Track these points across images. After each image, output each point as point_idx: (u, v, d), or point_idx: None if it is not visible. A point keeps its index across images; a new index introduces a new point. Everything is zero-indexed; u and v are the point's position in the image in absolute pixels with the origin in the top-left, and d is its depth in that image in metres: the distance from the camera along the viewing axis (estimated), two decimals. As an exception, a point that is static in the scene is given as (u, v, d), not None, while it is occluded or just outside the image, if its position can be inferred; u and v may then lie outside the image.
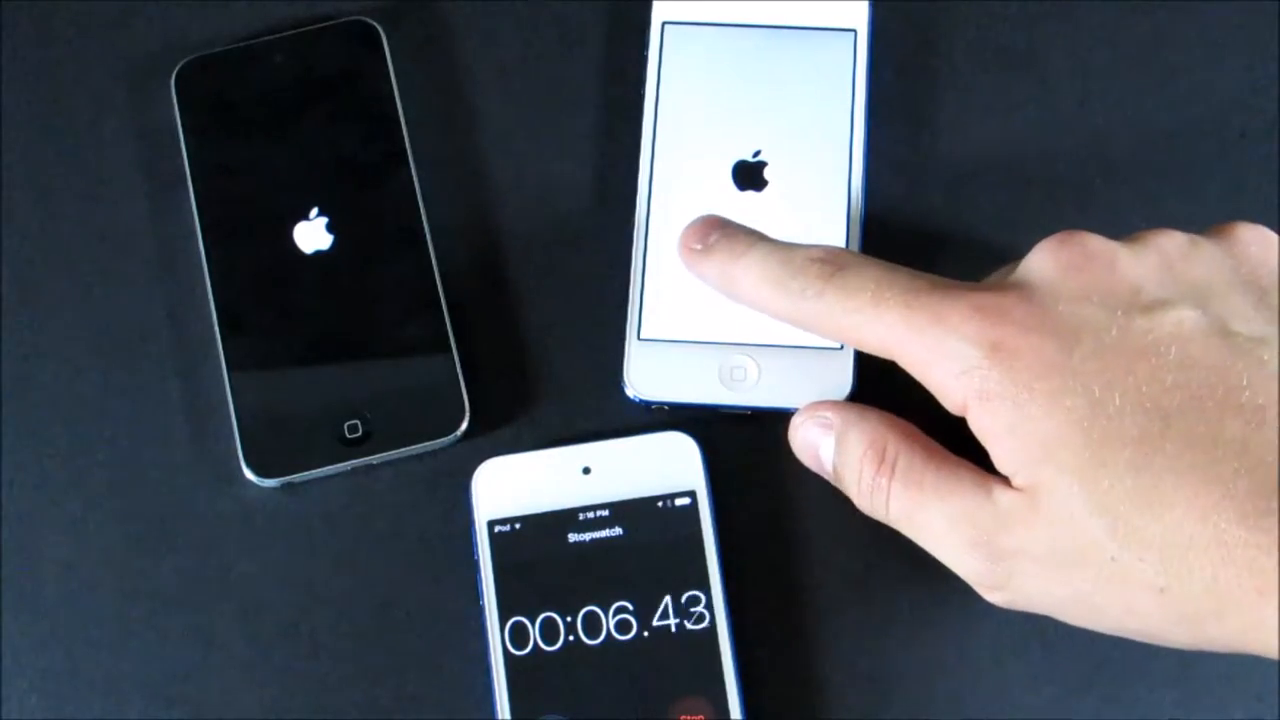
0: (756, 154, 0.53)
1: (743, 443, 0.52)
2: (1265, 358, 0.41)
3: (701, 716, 0.49)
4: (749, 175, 0.53)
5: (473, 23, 0.56)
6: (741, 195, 0.53)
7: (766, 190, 0.53)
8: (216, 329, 0.52)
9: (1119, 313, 0.41)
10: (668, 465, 0.51)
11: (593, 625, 0.49)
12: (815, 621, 0.51)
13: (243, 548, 0.52)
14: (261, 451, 0.51)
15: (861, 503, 0.46)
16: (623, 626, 0.49)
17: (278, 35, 0.55)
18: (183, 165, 0.54)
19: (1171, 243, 0.43)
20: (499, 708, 0.49)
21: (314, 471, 0.51)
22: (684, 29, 0.54)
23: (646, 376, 0.52)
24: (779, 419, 0.52)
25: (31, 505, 0.52)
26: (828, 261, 0.45)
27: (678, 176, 0.53)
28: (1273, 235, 0.44)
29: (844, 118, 0.53)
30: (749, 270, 0.47)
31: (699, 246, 0.49)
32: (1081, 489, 0.40)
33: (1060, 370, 0.41)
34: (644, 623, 0.49)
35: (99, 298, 0.54)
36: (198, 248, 0.53)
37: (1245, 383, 0.40)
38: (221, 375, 0.52)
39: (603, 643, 0.49)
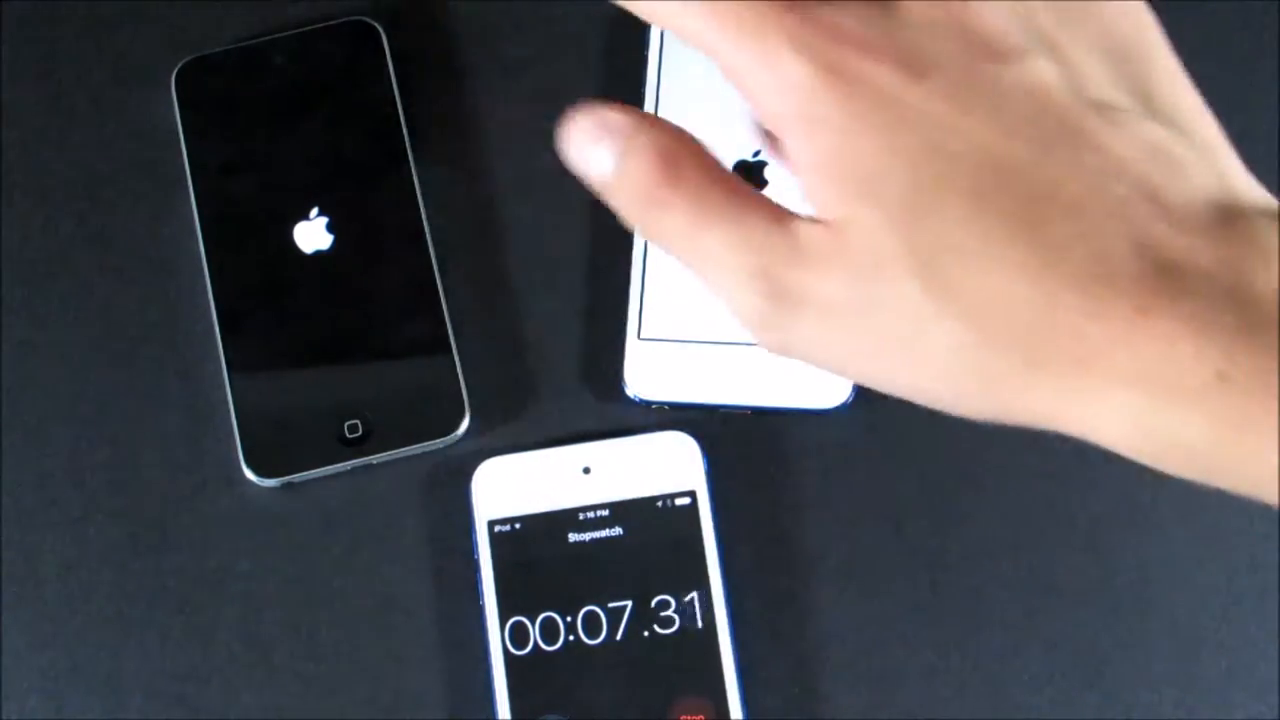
0: (756, 154, 0.53)
1: (743, 443, 0.52)
2: (1117, 122, 0.38)
3: (701, 716, 0.49)
4: (749, 175, 0.53)
5: (473, 23, 0.56)
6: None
7: (766, 190, 0.53)
8: (216, 329, 0.52)
9: (972, 53, 0.38)
10: (668, 465, 0.51)
11: (593, 625, 0.49)
12: (815, 621, 0.51)
13: (243, 548, 0.52)
14: (261, 451, 0.51)
15: (634, 216, 0.40)
16: (623, 626, 0.49)
17: (278, 35, 0.55)
18: (183, 165, 0.54)
19: None
20: (499, 708, 0.49)
21: (314, 471, 0.51)
22: None
23: (646, 376, 0.52)
24: (779, 418, 0.52)
25: (31, 505, 0.52)
26: None
27: (678, 176, 0.53)
28: (1144, 7, 0.41)
29: None
30: None
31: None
32: (899, 233, 0.37)
33: (899, 104, 0.37)
34: (644, 623, 0.49)
35: (99, 298, 0.54)
36: (198, 248, 0.53)
37: (1095, 144, 0.37)
38: (221, 375, 0.52)
39: (603, 643, 0.49)
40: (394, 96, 0.54)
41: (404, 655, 0.51)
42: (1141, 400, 0.36)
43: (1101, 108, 0.38)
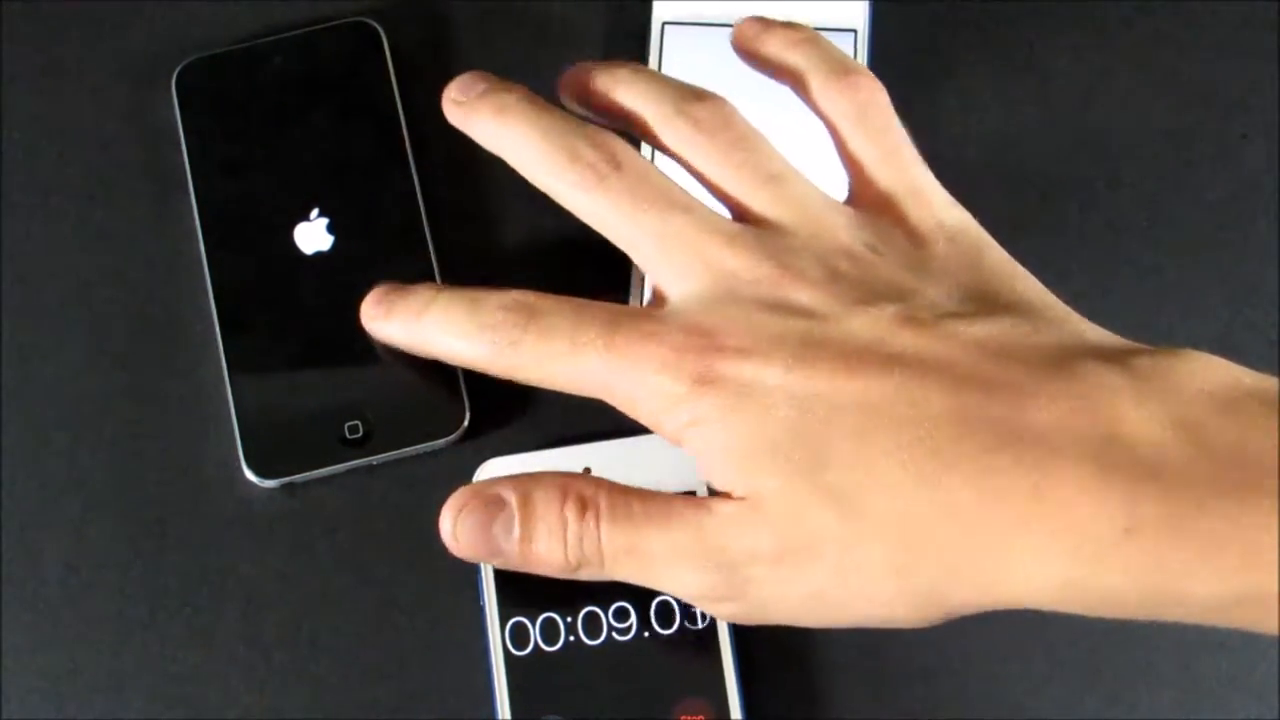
0: None
1: (743, 443, 0.52)
2: (955, 331, 0.41)
3: (701, 716, 0.49)
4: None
5: (473, 23, 0.56)
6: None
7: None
8: (216, 329, 0.52)
9: (816, 321, 0.42)
10: (668, 465, 0.51)
11: (593, 625, 0.49)
12: (815, 621, 0.51)
13: (243, 548, 0.52)
14: (261, 451, 0.51)
15: (569, 564, 0.43)
16: (623, 627, 0.49)
17: (278, 36, 0.55)
18: (183, 165, 0.54)
19: (836, 243, 0.44)
20: (499, 708, 0.49)
21: (314, 471, 0.51)
22: (684, 29, 0.54)
23: (646, 376, 0.52)
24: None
25: (31, 505, 0.52)
26: (518, 309, 0.44)
27: (677, 177, 0.53)
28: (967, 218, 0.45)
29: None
30: (435, 326, 0.46)
31: (377, 311, 0.48)
32: (804, 484, 0.40)
33: (761, 387, 0.41)
34: (644, 623, 0.49)
35: (99, 298, 0.54)
36: (198, 248, 0.53)
37: (938, 359, 0.40)
38: (221, 375, 0.52)
39: (603, 643, 0.49)
40: (394, 96, 0.54)
41: (404, 655, 0.51)
42: (1062, 566, 0.39)
43: (942, 321, 0.41)
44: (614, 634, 0.49)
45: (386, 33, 0.55)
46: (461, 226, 0.54)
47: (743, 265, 0.43)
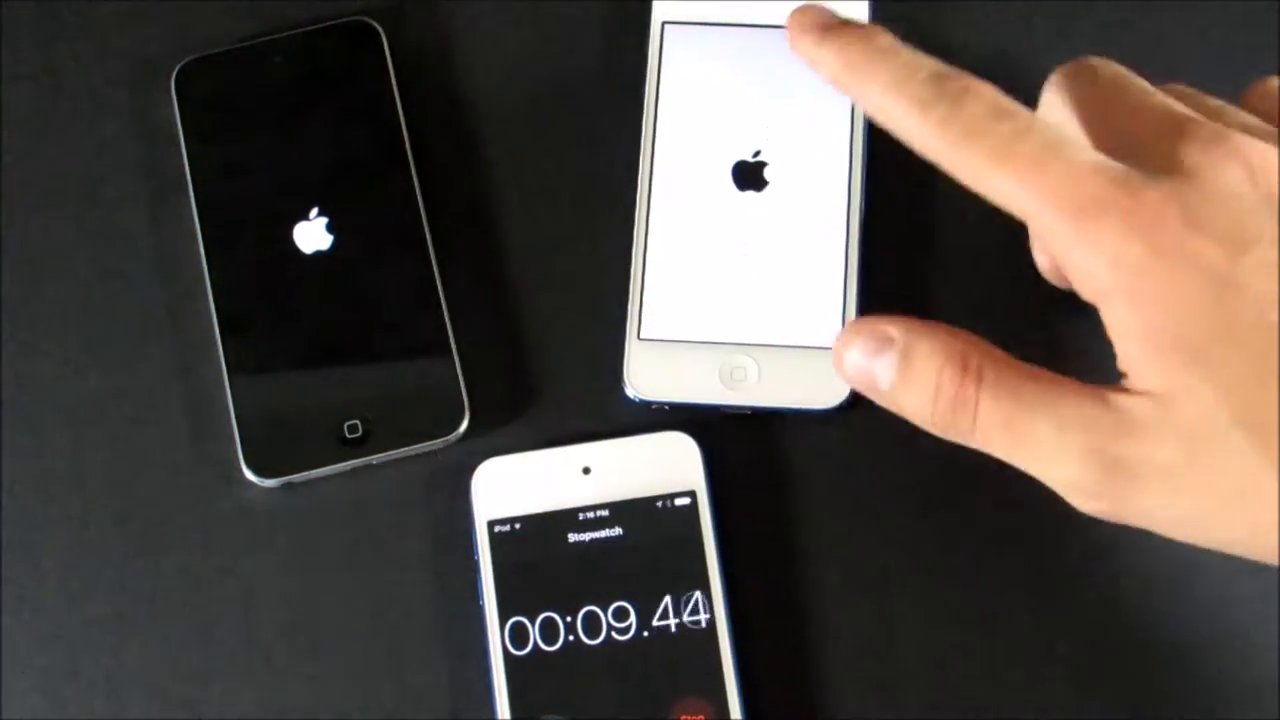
0: (756, 154, 0.53)
1: (743, 443, 0.52)
2: None
3: (701, 716, 0.49)
4: (749, 175, 0.53)
5: (473, 23, 0.56)
6: (742, 195, 0.53)
7: (766, 190, 0.53)
8: (216, 329, 0.52)
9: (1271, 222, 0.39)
10: (668, 465, 0.51)
11: (593, 625, 0.49)
12: (815, 621, 0.51)
13: (243, 548, 0.52)
14: (261, 451, 0.51)
15: (938, 419, 0.42)
16: (623, 626, 0.49)
17: (278, 35, 0.55)
18: (183, 165, 0.54)
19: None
20: (499, 708, 0.49)
21: (314, 471, 0.51)
22: (684, 29, 0.54)
23: (646, 376, 0.52)
24: (779, 418, 0.52)
25: (31, 505, 0.52)
26: (980, 99, 0.41)
27: (677, 177, 0.53)
28: None
29: (844, 117, 0.53)
30: (885, 72, 0.42)
31: (818, 33, 0.44)
32: (1229, 400, 0.38)
33: (1221, 280, 0.38)
34: (644, 623, 0.49)
35: (99, 298, 0.54)
36: (198, 248, 0.53)
37: None
38: (221, 375, 0.52)
39: (603, 643, 0.49)
40: (394, 96, 0.54)
41: (404, 655, 0.51)
42: None
43: None
44: (614, 634, 0.49)
45: (386, 33, 0.55)
46: (461, 226, 0.54)
47: (1217, 162, 0.40)
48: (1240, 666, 0.50)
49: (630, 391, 0.52)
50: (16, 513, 0.52)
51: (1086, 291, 0.40)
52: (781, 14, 0.54)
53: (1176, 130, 0.41)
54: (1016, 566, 0.51)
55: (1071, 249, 0.40)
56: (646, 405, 0.52)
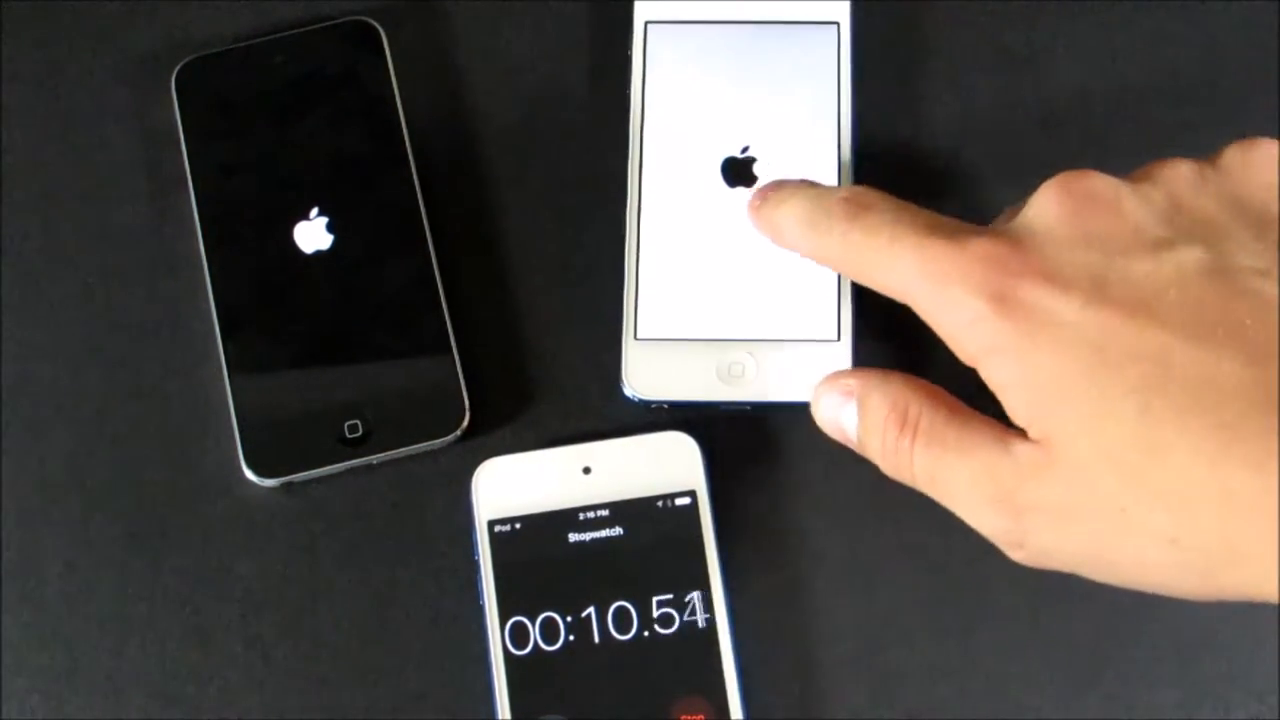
0: (745, 150, 0.53)
1: (743, 442, 0.52)
2: (1266, 291, 0.39)
3: (701, 716, 0.49)
4: (738, 171, 0.53)
5: (473, 23, 0.56)
6: (732, 192, 0.53)
7: (756, 186, 0.53)
8: (216, 329, 0.52)
9: (1118, 257, 0.41)
10: (668, 465, 0.51)
11: (593, 625, 0.49)
12: (815, 621, 0.51)
13: (243, 548, 0.52)
14: (261, 451, 0.51)
15: (886, 466, 0.45)
16: (623, 626, 0.49)
17: (278, 35, 0.55)
18: (183, 165, 0.54)
19: (1176, 177, 0.43)
20: (499, 708, 0.49)
21: (314, 471, 0.51)
22: (667, 28, 0.54)
23: (645, 376, 0.52)
24: (779, 417, 0.52)
25: (31, 505, 0.52)
26: (852, 201, 0.45)
27: (667, 176, 0.53)
28: (1273, 150, 0.43)
29: (830, 111, 0.53)
30: (788, 214, 0.48)
31: (756, 202, 0.50)
32: (1090, 438, 0.39)
33: (1059, 319, 0.40)
34: (644, 623, 0.49)
35: (99, 298, 0.54)
36: (198, 248, 0.53)
37: (1248, 320, 0.39)
38: (221, 375, 0.52)
39: (603, 643, 0.49)
40: (394, 96, 0.54)
41: (404, 655, 0.51)
42: None
43: (1250, 279, 0.40)
44: (614, 634, 0.49)
45: (386, 33, 0.55)
46: (461, 226, 0.54)
47: (1052, 200, 0.42)
48: (1240, 666, 0.50)
49: (629, 391, 0.52)
50: (16, 513, 0.52)
51: (963, 357, 0.42)
52: (763, 10, 0.54)
53: (1040, 187, 0.43)
54: (1016, 565, 0.51)
55: (936, 318, 0.43)
56: (646, 405, 0.52)
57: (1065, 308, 0.40)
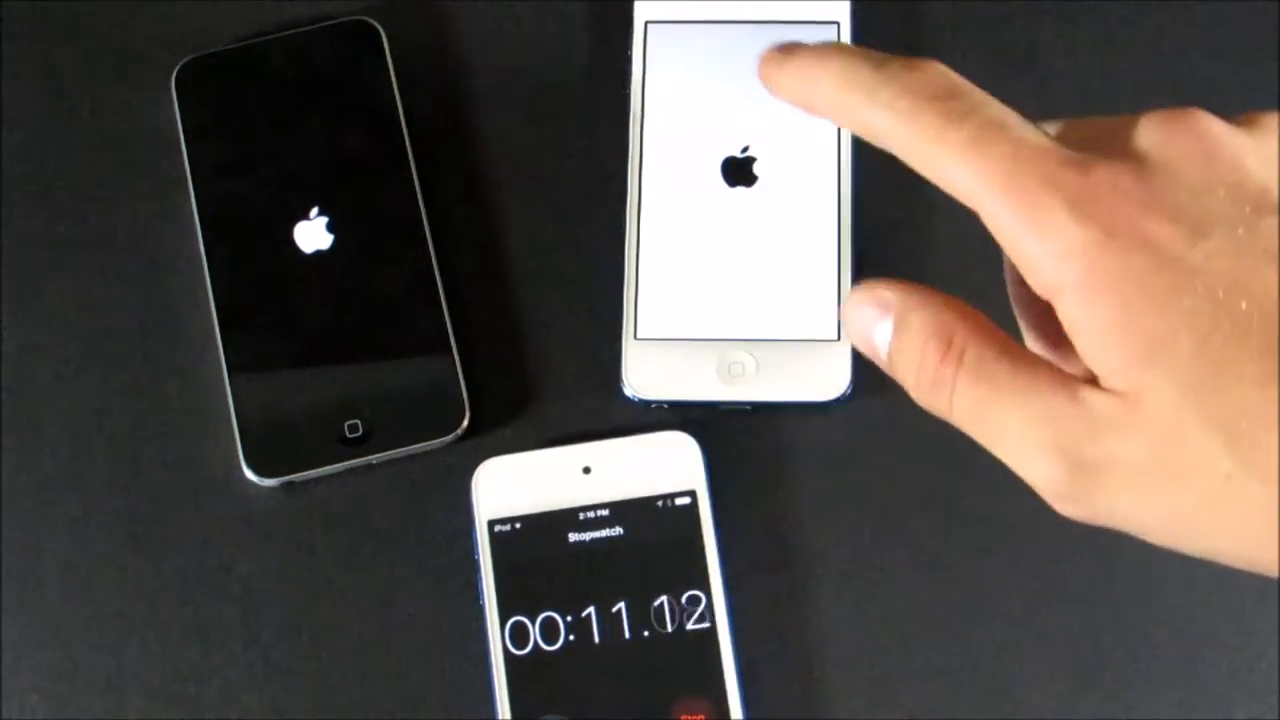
0: (745, 150, 0.53)
1: (743, 442, 0.52)
2: None
3: (701, 716, 0.49)
4: (738, 171, 0.53)
5: (472, 23, 0.56)
6: (732, 191, 0.53)
7: (756, 185, 0.53)
8: (216, 329, 0.52)
9: (1248, 209, 0.38)
10: (668, 465, 0.51)
11: (593, 625, 0.49)
12: (815, 621, 0.51)
13: (243, 548, 0.52)
14: (261, 451, 0.51)
15: (920, 395, 0.41)
16: (623, 626, 0.49)
17: (278, 35, 0.55)
18: (183, 165, 0.54)
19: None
20: (499, 708, 0.49)
21: (314, 471, 0.51)
22: (667, 28, 0.54)
23: (644, 376, 0.52)
24: (779, 417, 0.52)
25: (31, 505, 0.52)
26: (926, 77, 0.40)
27: (667, 175, 0.53)
28: None
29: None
30: (831, 69, 0.42)
31: (779, 56, 0.43)
32: (1195, 397, 0.36)
33: (1181, 266, 0.37)
34: (644, 623, 0.49)
35: (99, 298, 0.54)
36: (198, 248, 0.53)
37: None
38: (221, 375, 0.52)
39: (603, 643, 0.49)
40: (394, 96, 0.54)
41: (404, 655, 0.51)
42: None
43: None
44: (614, 634, 0.49)
45: (386, 33, 0.55)
46: (461, 225, 0.54)
47: (1170, 137, 0.39)
48: (1240, 666, 0.50)
49: (629, 391, 0.52)
50: (16, 513, 0.52)
51: (1039, 286, 0.39)
52: (763, 10, 0.54)
53: (1134, 118, 0.40)
54: (1017, 564, 0.51)
55: (1020, 239, 0.38)
56: (646, 404, 0.52)
57: (1194, 252, 0.37)
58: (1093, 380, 0.38)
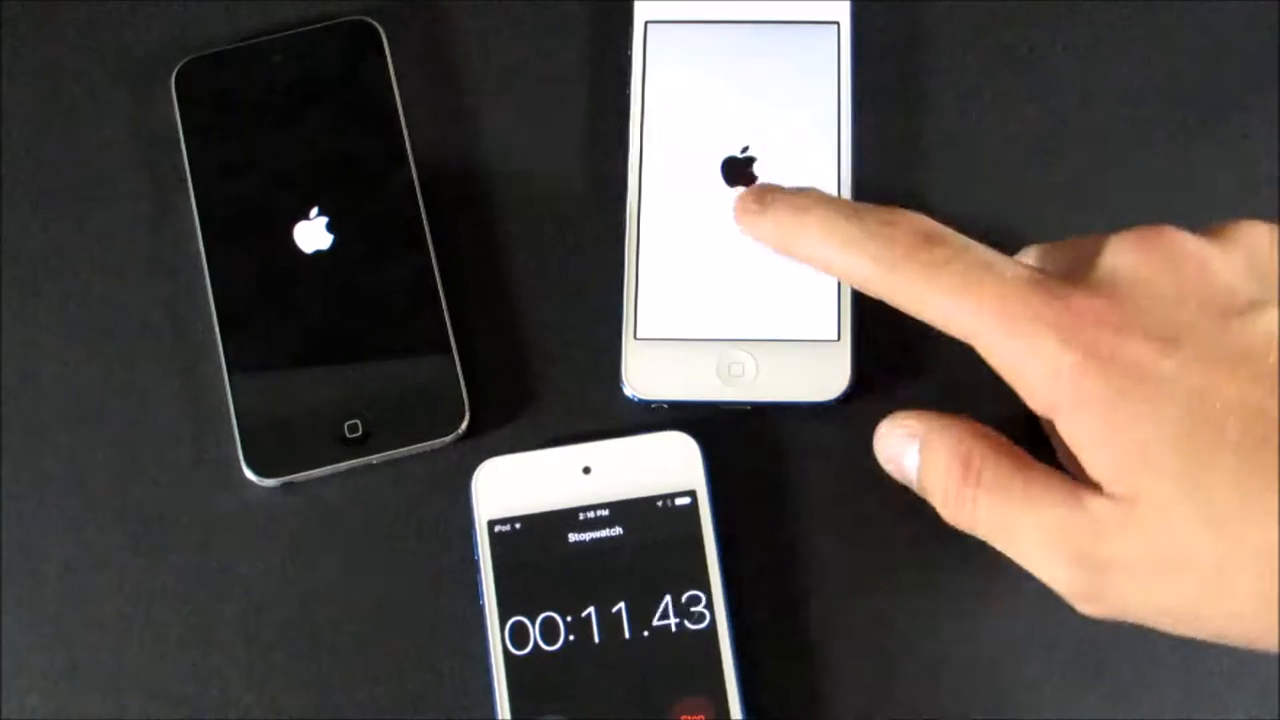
0: (745, 150, 0.53)
1: (743, 442, 0.52)
2: None
3: (701, 716, 0.49)
4: (738, 171, 0.53)
5: (472, 23, 0.56)
6: (732, 191, 0.53)
7: (744, 190, 0.53)
8: (216, 329, 0.52)
9: (1216, 314, 0.40)
10: (668, 465, 0.51)
11: (593, 625, 0.49)
12: (815, 621, 0.51)
13: (243, 548, 0.52)
14: (261, 451, 0.51)
15: (947, 514, 0.44)
16: (623, 626, 0.49)
17: (278, 35, 0.55)
18: (183, 165, 0.54)
19: (1257, 238, 0.43)
20: (499, 708, 0.49)
21: (314, 471, 0.51)
22: (667, 28, 0.54)
23: (645, 376, 0.52)
24: (779, 417, 0.52)
25: (31, 505, 0.52)
26: (906, 228, 0.43)
27: (667, 175, 0.53)
28: None
29: (830, 110, 0.53)
30: (812, 227, 0.45)
31: (756, 206, 0.46)
32: (1184, 497, 0.39)
33: (1157, 378, 0.40)
34: (644, 623, 0.49)
35: (99, 298, 0.54)
36: (198, 248, 0.53)
37: None
38: (221, 375, 0.52)
39: (603, 643, 0.49)
40: (394, 96, 0.54)
41: (404, 655, 0.51)
42: None
43: None
44: (614, 634, 0.49)
45: (386, 33, 0.55)
46: (461, 226, 0.54)
47: (1138, 255, 0.42)
48: (1240, 666, 0.50)
49: (629, 391, 0.52)
50: (16, 513, 0.52)
51: (1038, 407, 0.42)
52: (763, 10, 0.54)
53: (1107, 238, 0.42)
54: (1015, 565, 0.51)
55: (1017, 368, 0.41)
56: (646, 405, 0.52)
57: (1167, 364, 0.40)
58: (1097, 488, 0.41)
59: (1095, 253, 0.42)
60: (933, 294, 0.42)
